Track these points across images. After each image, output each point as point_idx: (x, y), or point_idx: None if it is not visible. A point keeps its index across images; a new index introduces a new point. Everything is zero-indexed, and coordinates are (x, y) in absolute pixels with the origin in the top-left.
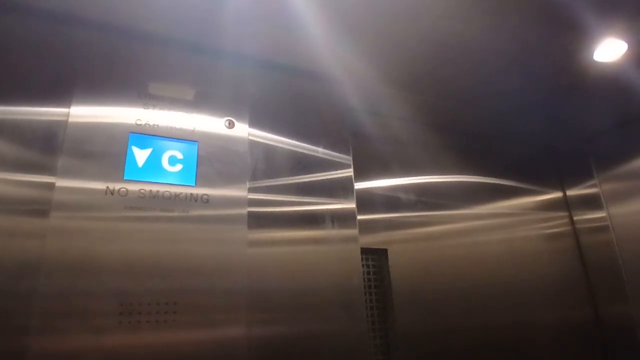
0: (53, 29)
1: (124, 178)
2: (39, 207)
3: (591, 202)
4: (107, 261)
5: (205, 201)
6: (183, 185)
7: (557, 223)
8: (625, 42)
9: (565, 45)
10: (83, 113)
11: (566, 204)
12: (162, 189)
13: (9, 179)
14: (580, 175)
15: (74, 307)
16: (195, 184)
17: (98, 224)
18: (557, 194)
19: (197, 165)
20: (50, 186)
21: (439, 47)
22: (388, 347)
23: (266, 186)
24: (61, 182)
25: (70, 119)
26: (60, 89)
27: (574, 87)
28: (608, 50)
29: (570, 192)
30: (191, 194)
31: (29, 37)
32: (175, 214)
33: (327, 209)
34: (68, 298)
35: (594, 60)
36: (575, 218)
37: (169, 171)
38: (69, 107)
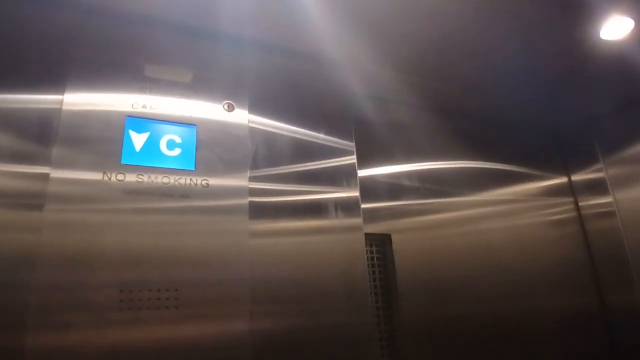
0: (44, 13)
1: (121, 163)
2: (33, 199)
3: (597, 187)
4: (105, 251)
5: (205, 186)
6: (182, 169)
7: (562, 209)
8: (632, 19)
9: (571, 24)
10: (77, 99)
11: (571, 190)
12: (160, 173)
13: (1, 170)
14: (586, 160)
15: (73, 300)
16: (195, 168)
17: (95, 212)
18: (562, 179)
19: (196, 150)
20: (45, 177)
21: (442, 29)
22: (393, 332)
23: (267, 175)
24: (56, 173)
25: (65, 107)
26: (53, 76)
27: (579, 68)
28: (615, 28)
29: (575, 177)
30: (191, 179)
31: (19, 22)
32: (174, 199)
33: (330, 198)
34: (66, 292)
35: (601, 39)
36: (580, 204)
37: (167, 155)
38: (63, 94)
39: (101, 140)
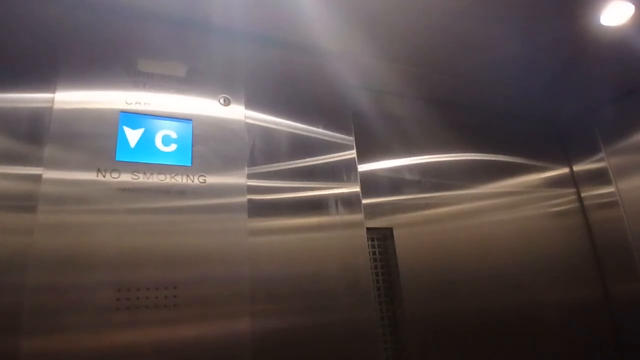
0: (33, 8)
1: (116, 159)
2: (25, 201)
3: (599, 177)
4: (101, 251)
5: (202, 182)
6: (179, 165)
7: (564, 200)
8: (633, 4)
9: (570, 10)
10: (69, 97)
11: (573, 180)
12: (156, 169)
13: None
14: (587, 149)
15: (68, 302)
16: (192, 164)
17: (90, 212)
18: (563, 170)
19: (192, 145)
20: (37, 178)
21: (439, 20)
22: (396, 327)
23: (265, 172)
24: (48, 173)
25: (56, 105)
26: (44, 73)
27: (579, 56)
28: (615, 13)
29: (577, 168)
30: (187, 175)
31: (6, 18)
32: (171, 196)
33: (330, 194)
34: (61, 294)
35: (601, 25)
36: (583, 194)
37: (163, 151)
38: (54, 92)
39: (94, 137)
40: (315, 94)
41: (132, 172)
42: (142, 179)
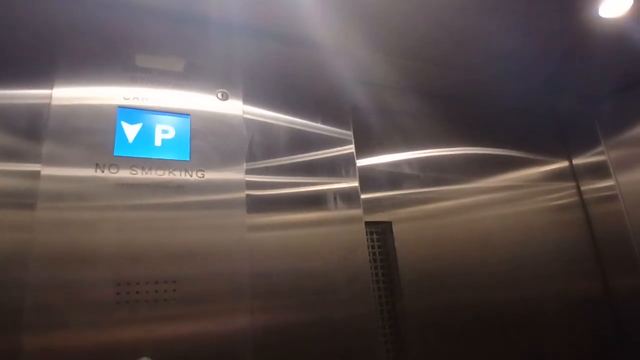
0: (29, 4)
1: (114, 154)
2: (24, 198)
3: (598, 171)
4: (100, 247)
5: (201, 177)
6: (177, 160)
7: (564, 194)
8: None
9: (569, 2)
10: (67, 93)
11: (573, 174)
12: (155, 164)
13: None
14: (587, 143)
15: (68, 298)
16: (190, 158)
17: (89, 207)
18: (563, 164)
19: (190, 139)
20: (36, 174)
21: (437, 12)
22: (396, 321)
23: (264, 167)
24: (47, 170)
25: (54, 101)
26: (41, 70)
27: (578, 48)
28: (613, 5)
29: (577, 161)
30: (186, 170)
31: (3, 15)
32: (169, 190)
33: (329, 189)
34: (61, 290)
35: (599, 17)
36: (582, 188)
37: (161, 146)
38: (52, 88)
39: (93, 133)
40: (314, 88)
41: (131, 167)
42: (140, 174)
